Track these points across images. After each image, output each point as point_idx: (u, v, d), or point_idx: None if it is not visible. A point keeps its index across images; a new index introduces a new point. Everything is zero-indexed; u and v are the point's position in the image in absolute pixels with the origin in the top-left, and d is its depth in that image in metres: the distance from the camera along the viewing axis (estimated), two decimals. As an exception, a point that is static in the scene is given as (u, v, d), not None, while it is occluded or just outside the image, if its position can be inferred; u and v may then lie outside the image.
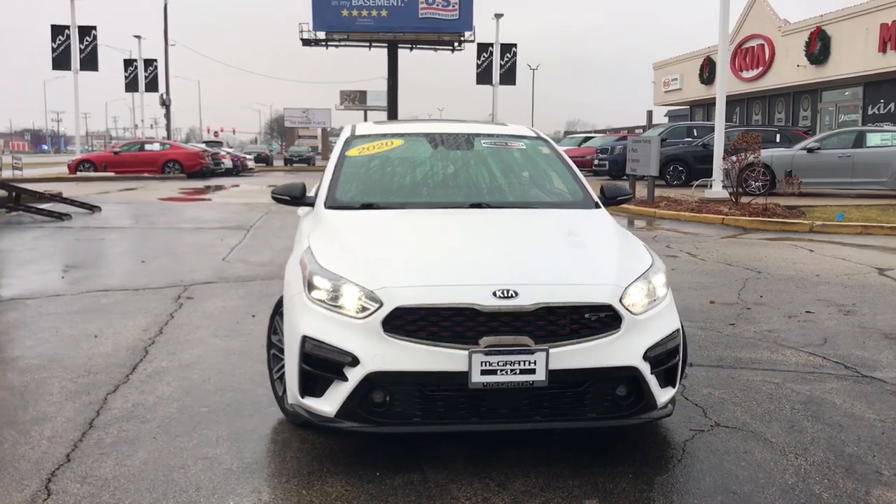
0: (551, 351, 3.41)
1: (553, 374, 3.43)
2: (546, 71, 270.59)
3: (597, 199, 4.81)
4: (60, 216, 14.21)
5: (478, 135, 5.27)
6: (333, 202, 4.60)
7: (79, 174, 32.14)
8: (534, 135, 5.39)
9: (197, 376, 4.95)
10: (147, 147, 34.90)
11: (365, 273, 3.58)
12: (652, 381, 3.60)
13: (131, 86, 52.92)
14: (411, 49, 62.20)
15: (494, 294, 3.43)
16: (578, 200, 4.76)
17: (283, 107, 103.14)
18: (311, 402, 3.56)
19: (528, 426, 3.54)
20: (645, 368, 3.56)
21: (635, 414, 3.61)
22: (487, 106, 47.32)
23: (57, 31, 40.28)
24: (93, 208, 15.78)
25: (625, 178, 19.35)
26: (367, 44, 61.96)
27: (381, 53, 61.73)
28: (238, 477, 3.52)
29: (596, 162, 29.65)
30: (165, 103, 54.64)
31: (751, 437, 4.04)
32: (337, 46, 63.37)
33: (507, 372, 3.39)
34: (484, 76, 45.37)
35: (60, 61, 40.75)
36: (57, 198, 16.10)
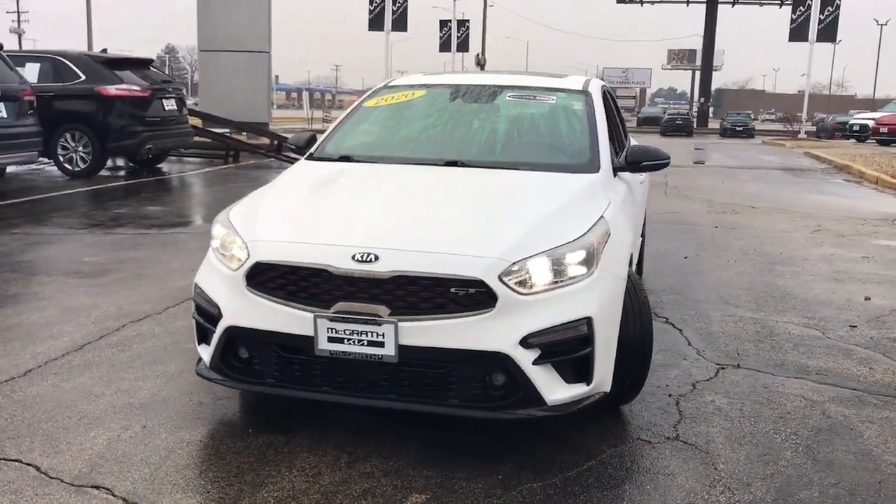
0: (402, 325, 3.06)
1: (406, 351, 3.08)
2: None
3: (608, 163, 4.17)
4: (302, 163, 15.50)
5: (509, 87, 4.80)
6: (321, 153, 4.51)
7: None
8: (577, 89, 4.78)
9: (222, 316, 5.16)
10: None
11: (252, 226, 3.48)
12: (535, 373, 3.08)
13: (444, 46, 55.67)
14: (733, 5, 58.27)
15: (353, 257, 3.14)
16: (579, 164, 4.15)
17: (604, 66, 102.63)
18: (201, 350, 3.56)
19: (380, 404, 3.22)
20: (522, 356, 3.06)
21: (507, 408, 3.12)
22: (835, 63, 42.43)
23: (374, -6, 43.50)
24: (339, 158, 17.00)
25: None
26: (685, 0, 59.13)
27: (700, 10, 58.56)
28: (127, 412, 3.64)
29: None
30: (480, 63, 56.68)
31: (696, 459, 3.31)
32: (652, 3, 61.34)
33: (354, 342, 3.11)
34: (798, 32, 41.04)
35: (375, 23, 44.02)
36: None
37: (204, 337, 3.53)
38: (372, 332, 3.08)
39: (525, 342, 3.06)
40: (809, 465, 3.26)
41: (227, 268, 3.41)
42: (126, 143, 12.48)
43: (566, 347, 3.15)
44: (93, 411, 3.64)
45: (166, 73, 12.13)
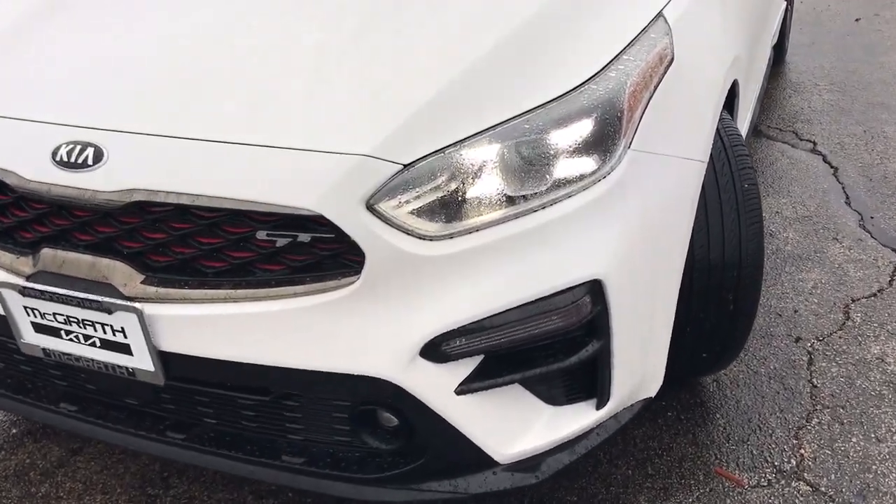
0: (153, 312, 1.35)
1: (176, 364, 1.40)
2: None
3: None
4: None
5: None
6: None
7: None
8: None
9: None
10: None
11: None
12: (466, 409, 1.35)
13: None
14: None
15: (54, 155, 1.39)
16: None
17: None
18: None
19: (151, 450, 1.57)
20: (429, 382, 1.31)
21: (404, 480, 1.43)
22: None
23: None
24: None
25: None
26: None
27: None
28: None
29: None
30: None
31: None
32: None
33: (78, 338, 1.45)
34: None
35: None
36: None
37: None
38: (101, 325, 1.41)
39: (435, 350, 1.30)
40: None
41: None
42: None
43: (546, 350, 1.37)
44: None
45: None
